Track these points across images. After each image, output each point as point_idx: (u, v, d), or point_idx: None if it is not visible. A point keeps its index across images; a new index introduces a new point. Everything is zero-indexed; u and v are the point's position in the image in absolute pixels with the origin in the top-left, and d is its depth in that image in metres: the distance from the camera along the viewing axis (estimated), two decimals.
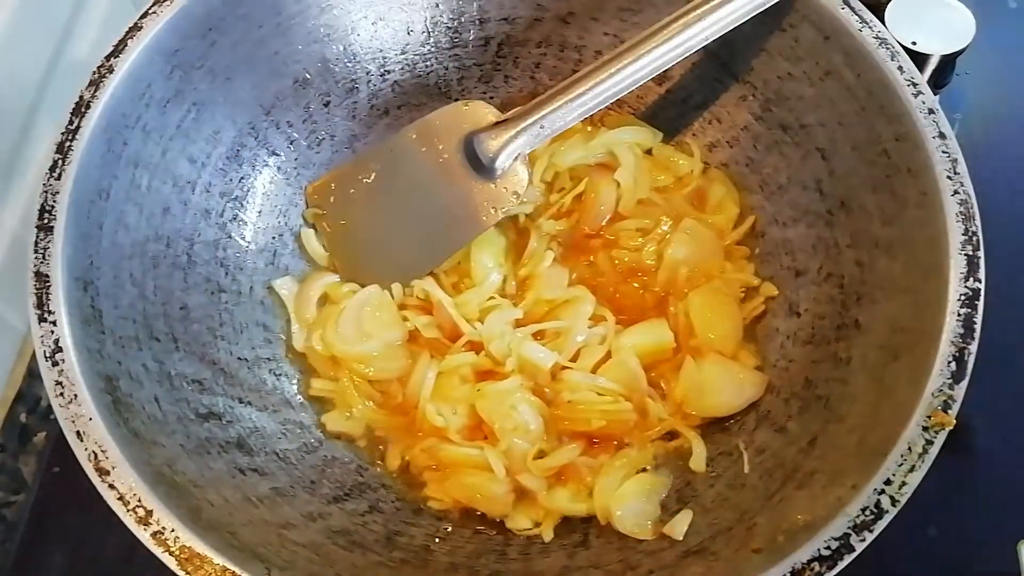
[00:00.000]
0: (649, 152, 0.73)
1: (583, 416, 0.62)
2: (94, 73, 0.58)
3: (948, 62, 0.77)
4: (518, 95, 0.75)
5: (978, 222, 0.53)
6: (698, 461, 0.61)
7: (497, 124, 0.66)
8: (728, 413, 0.62)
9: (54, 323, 0.52)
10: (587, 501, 0.60)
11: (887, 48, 0.58)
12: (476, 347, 0.65)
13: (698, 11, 0.60)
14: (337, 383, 0.65)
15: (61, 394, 0.50)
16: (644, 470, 0.62)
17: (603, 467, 0.61)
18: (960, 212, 0.53)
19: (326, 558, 0.53)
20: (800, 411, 0.59)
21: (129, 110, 0.60)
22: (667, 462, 0.62)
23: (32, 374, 0.74)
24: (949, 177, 0.54)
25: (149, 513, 0.47)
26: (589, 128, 0.74)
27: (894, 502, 0.47)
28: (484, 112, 0.67)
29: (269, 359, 0.65)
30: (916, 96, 0.57)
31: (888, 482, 0.47)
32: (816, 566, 0.46)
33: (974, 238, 0.52)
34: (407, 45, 0.73)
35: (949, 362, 0.50)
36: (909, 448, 0.48)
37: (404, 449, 0.64)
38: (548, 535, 0.60)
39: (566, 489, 0.61)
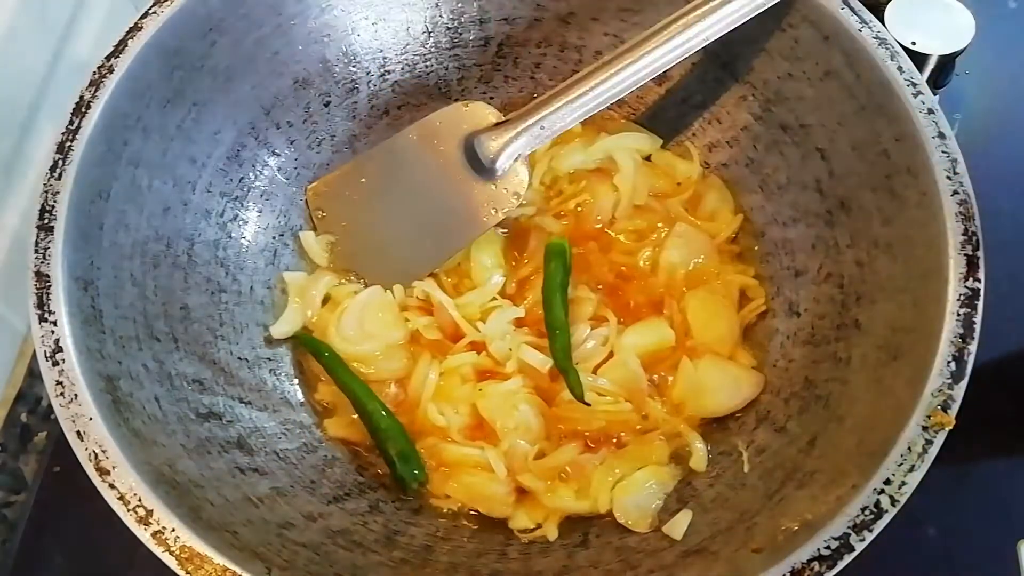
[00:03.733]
0: (648, 158, 0.73)
1: (583, 416, 0.62)
2: (94, 73, 0.58)
3: (948, 62, 0.77)
4: (518, 95, 0.75)
5: (978, 222, 0.53)
6: (699, 461, 0.61)
7: (497, 125, 0.66)
8: (726, 413, 0.62)
9: (54, 323, 0.52)
10: (589, 499, 0.60)
11: (887, 48, 0.58)
12: (477, 347, 0.65)
13: (698, 11, 0.60)
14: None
15: (61, 394, 0.50)
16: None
17: (609, 460, 0.61)
18: (960, 212, 0.53)
19: (326, 558, 0.53)
20: (800, 411, 0.59)
21: (129, 110, 0.60)
22: (668, 461, 0.62)
23: (33, 374, 0.74)
24: (949, 177, 0.54)
25: (149, 513, 0.47)
26: (589, 133, 0.74)
27: (894, 502, 0.47)
28: (484, 113, 0.67)
29: (269, 359, 0.65)
30: (916, 96, 0.57)
31: (888, 482, 0.47)
32: (816, 566, 0.46)
33: (974, 238, 0.52)
34: (407, 45, 0.73)
35: (949, 362, 0.50)
36: (909, 448, 0.48)
37: None
38: (552, 534, 0.60)
39: (568, 487, 0.61)
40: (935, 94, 0.66)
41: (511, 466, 0.61)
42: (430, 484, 0.62)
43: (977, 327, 0.51)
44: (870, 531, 0.46)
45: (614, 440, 0.62)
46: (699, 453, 0.61)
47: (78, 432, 0.49)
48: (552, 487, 0.61)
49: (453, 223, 0.68)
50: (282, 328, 0.67)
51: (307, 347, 0.66)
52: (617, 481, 0.60)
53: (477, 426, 0.63)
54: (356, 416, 0.64)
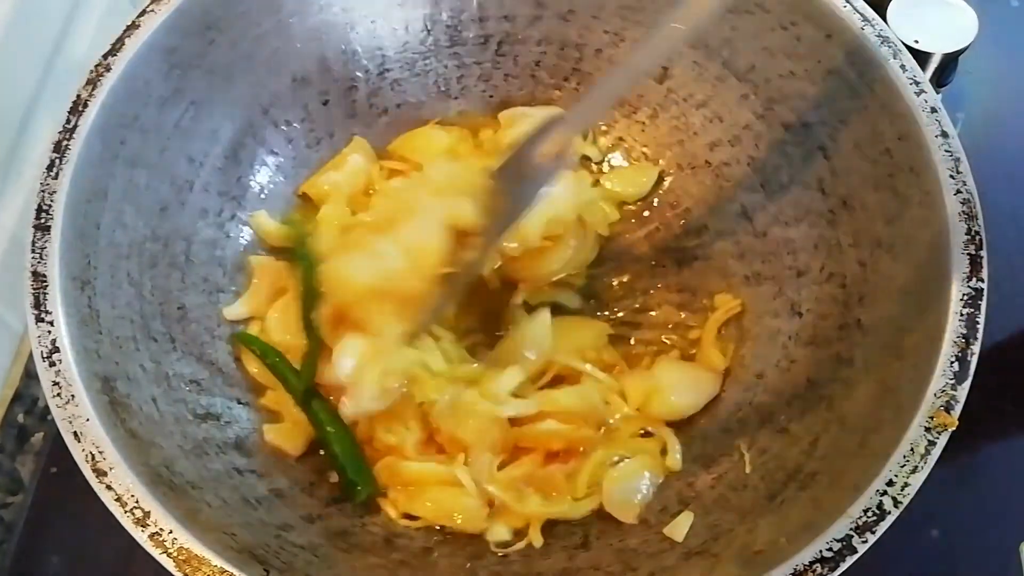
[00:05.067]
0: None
1: (544, 438, 0.60)
2: (92, 72, 0.58)
3: (950, 61, 0.76)
4: (518, 93, 0.75)
5: (980, 221, 0.53)
6: (673, 458, 0.60)
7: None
8: (690, 413, 0.62)
9: (51, 323, 0.51)
10: (564, 503, 0.59)
11: (889, 47, 0.58)
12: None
13: None
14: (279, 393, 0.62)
15: (58, 394, 0.50)
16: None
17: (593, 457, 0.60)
18: (962, 211, 0.53)
19: (325, 560, 0.53)
20: (802, 412, 0.58)
21: (127, 109, 0.59)
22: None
23: (29, 374, 0.74)
24: (952, 176, 0.54)
25: (147, 514, 0.47)
26: None
27: (896, 503, 0.47)
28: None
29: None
30: (918, 95, 0.56)
31: (890, 483, 0.47)
32: (818, 568, 0.45)
33: (976, 237, 0.52)
34: (406, 43, 0.73)
35: (952, 362, 0.49)
36: (911, 449, 0.48)
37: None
38: (538, 540, 0.58)
39: (537, 495, 0.59)
40: (938, 93, 0.66)
41: (476, 478, 0.58)
42: (393, 505, 0.59)
43: (980, 327, 0.50)
44: (873, 533, 0.46)
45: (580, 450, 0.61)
46: (674, 451, 0.60)
47: (75, 433, 0.49)
48: (520, 496, 0.59)
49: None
50: (237, 310, 0.64)
51: (250, 345, 0.63)
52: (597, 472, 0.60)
53: (430, 440, 0.60)
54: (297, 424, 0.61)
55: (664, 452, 0.61)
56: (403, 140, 0.73)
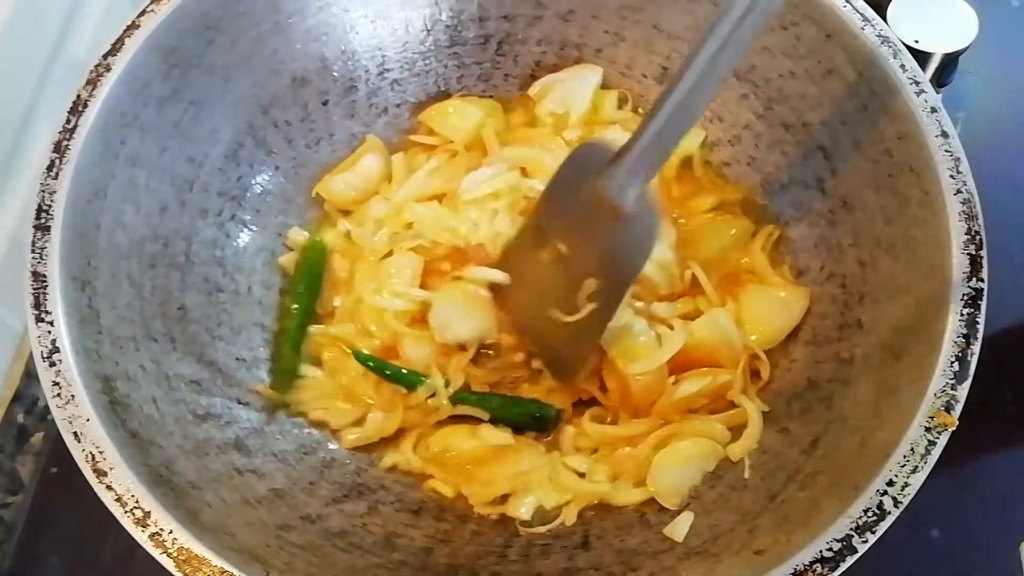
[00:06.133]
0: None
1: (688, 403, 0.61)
2: (92, 72, 0.58)
3: (951, 61, 0.76)
4: (518, 93, 0.75)
5: (981, 221, 0.53)
6: (744, 445, 0.59)
7: (612, 160, 0.55)
8: (786, 334, 0.62)
9: (51, 323, 0.52)
10: (623, 487, 0.60)
11: (889, 46, 0.58)
12: None
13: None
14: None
15: (58, 395, 0.50)
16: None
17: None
18: (963, 211, 0.53)
19: (325, 560, 0.53)
20: (802, 412, 0.58)
21: (127, 109, 0.59)
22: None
23: (30, 374, 0.74)
24: (952, 176, 0.54)
25: (147, 514, 0.47)
26: None
27: (897, 503, 0.47)
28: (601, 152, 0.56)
29: (267, 359, 0.65)
30: (918, 95, 0.56)
31: (891, 483, 0.47)
32: (819, 568, 0.45)
33: (977, 237, 0.52)
34: (406, 43, 0.73)
35: (952, 362, 0.49)
36: (912, 449, 0.48)
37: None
38: (571, 519, 0.59)
39: (607, 471, 0.60)
40: (938, 93, 0.66)
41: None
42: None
43: (980, 327, 0.50)
44: (873, 532, 0.46)
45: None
46: (751, 435, 0.59)
47: (75, 433, 0.49)
48: (592, 473, 0.60)
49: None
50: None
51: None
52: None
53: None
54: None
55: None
56: (433, 112, 0.73)
